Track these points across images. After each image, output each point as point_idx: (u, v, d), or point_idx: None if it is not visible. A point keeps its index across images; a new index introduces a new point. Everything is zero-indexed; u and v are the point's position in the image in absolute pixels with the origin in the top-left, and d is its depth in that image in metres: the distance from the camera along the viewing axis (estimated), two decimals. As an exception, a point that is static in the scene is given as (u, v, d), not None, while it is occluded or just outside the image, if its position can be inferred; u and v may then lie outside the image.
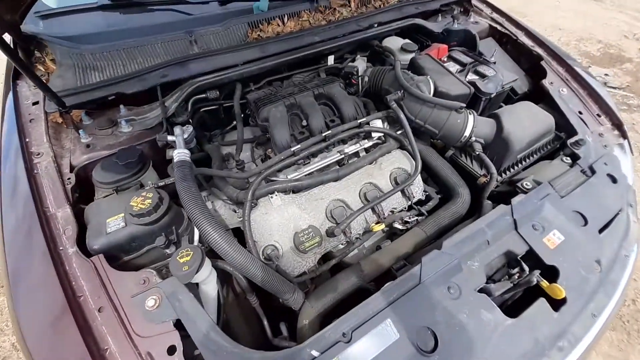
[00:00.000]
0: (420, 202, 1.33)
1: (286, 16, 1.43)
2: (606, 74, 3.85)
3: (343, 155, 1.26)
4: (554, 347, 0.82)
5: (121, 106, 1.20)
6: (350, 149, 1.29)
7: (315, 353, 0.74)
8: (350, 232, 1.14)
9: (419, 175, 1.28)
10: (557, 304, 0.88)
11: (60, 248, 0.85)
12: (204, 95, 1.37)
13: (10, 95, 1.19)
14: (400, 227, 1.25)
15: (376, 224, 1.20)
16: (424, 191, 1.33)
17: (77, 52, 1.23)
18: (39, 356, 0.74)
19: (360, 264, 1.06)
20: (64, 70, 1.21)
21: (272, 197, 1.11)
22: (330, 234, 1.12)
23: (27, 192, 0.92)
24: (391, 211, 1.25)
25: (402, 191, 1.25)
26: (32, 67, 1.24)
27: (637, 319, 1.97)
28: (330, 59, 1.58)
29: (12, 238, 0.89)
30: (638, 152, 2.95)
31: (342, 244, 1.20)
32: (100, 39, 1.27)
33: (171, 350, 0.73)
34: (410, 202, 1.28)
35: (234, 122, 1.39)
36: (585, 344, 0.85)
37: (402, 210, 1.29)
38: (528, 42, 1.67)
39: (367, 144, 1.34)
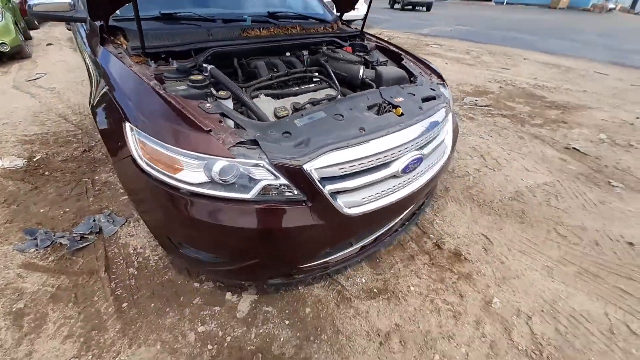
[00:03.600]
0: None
1: (261, 28, 2.59)
2: (476, 100, 5.66)
3: (297, 89, 2.30)
4: (398, 125, 1.80)
5: (170, 59, 2.14)
6: (301, 87, 2.34)
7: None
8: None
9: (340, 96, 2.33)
10: (399, 117, 1.89)
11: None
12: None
13: (104, 51, 2.09)
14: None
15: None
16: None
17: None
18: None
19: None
20: (135, 42, 2.16)
21: (261, 96, 2.06)
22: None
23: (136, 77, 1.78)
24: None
25: (331, 102, 2.28)
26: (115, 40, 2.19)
27: (504, 209, 3.01)
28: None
29: (137, 99, 1.70)
30: (497, 144, 4.41)
31: None
32: (157, 28, 2.26)
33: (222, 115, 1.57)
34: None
35: None
36: (414, 130, 1.84)
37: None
38: (395, 49, 3.02)
39: (311, 85, 2.40)
